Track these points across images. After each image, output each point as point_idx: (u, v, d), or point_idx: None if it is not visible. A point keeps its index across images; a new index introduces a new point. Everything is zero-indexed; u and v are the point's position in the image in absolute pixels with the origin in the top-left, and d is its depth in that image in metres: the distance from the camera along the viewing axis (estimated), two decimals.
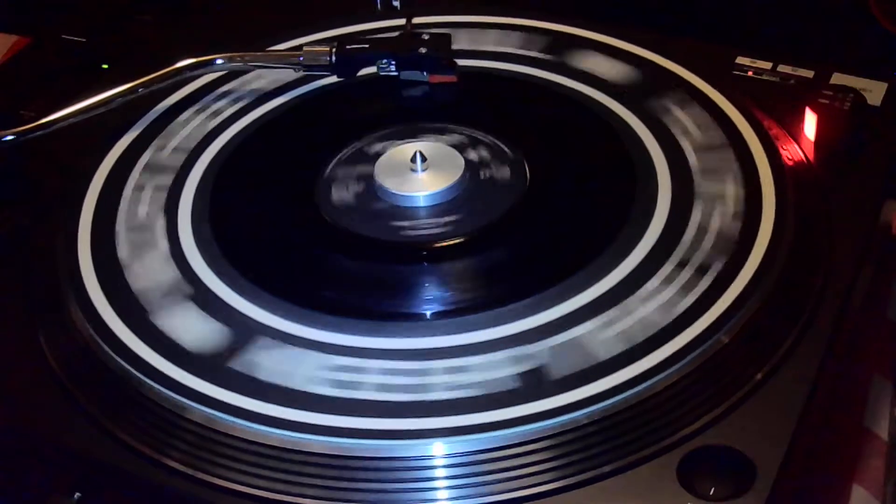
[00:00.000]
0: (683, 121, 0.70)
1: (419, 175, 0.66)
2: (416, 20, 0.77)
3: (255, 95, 0.75)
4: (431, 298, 0.61)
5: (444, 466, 0.52)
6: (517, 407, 0.53)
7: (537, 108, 0.73)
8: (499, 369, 0.56)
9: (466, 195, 0.66)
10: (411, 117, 0.72)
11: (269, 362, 0.57)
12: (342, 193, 0.67)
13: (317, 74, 0.75)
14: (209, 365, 0.57)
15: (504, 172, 0.67)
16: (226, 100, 0.75)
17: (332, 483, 0.52)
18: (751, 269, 0.60)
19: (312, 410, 0.54)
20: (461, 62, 0.75)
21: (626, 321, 0.57)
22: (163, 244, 0.64)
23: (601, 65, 0.75)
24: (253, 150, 0.71)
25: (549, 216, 0.65)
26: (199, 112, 0.74)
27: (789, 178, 0.65)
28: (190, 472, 0.54)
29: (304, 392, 0.55)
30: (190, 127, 0.73)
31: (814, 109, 0.71)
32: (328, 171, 0.68)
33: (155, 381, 0.56)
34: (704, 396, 0.55)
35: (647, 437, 0.53)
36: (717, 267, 0.60)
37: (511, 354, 0.56)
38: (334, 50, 0.73)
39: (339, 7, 0.82)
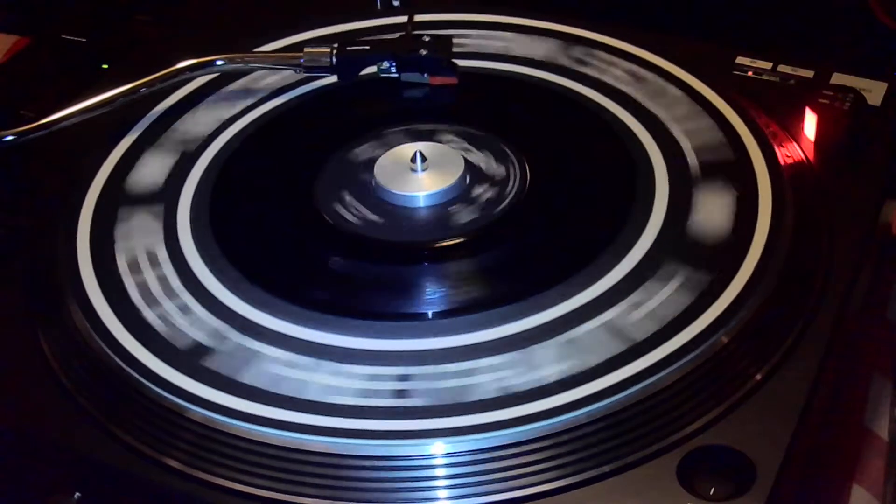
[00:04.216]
0: (682, 121, 0.70)
1: (419, 175, 0.66)
2: (415, 19, 0.77)
3: (256, 95, 0.75)
4: (431, 299, 0.61)
5: (444, 466, 0.52)
6: (517, 407, 0.53)
7: (537, 108, 0.73)
8: (498, 370, 0.56)
9: (466, 195, 0.66)
10: (411, 118, 0.72)
11: (266, 363, 0.57)
12: (342, 194, 0.67)
13: (317, 75, 0.75)
14: (209, 367, 0.57)
15: (504, 172, 0.67)
16: (226, 100, 0.75)
17: (332, 483, 0.52)
18: (750, 269, 0.59)
19: (313, 413, 0.54)
20: (461, 62, 0.75)
21: (625, 321, 0.57)
22: (163, 245, 0.64)
23: (601, 65, 0.75)
24: (253, 150, 0.71)
25: (548, 216, 0.65)
26: (199, 112, 0.74)
27: (789, 177, 0.65)
28: (190, 472, 0.54)
29: (304, 394, 0.55)
30: (190, 127, 0.73)
31: (814, 109, 0.71)
32: (328, 170, 0.69)
33: (153, 383, 0.56)
34: (704, 396, 0.55)
35: (646, 436, 0.53)
36: (716, 267, 0.60)
37: (511, 355, 0.56)
38: (335, 51, 0.73)
39: (339, 6, 0.82)
